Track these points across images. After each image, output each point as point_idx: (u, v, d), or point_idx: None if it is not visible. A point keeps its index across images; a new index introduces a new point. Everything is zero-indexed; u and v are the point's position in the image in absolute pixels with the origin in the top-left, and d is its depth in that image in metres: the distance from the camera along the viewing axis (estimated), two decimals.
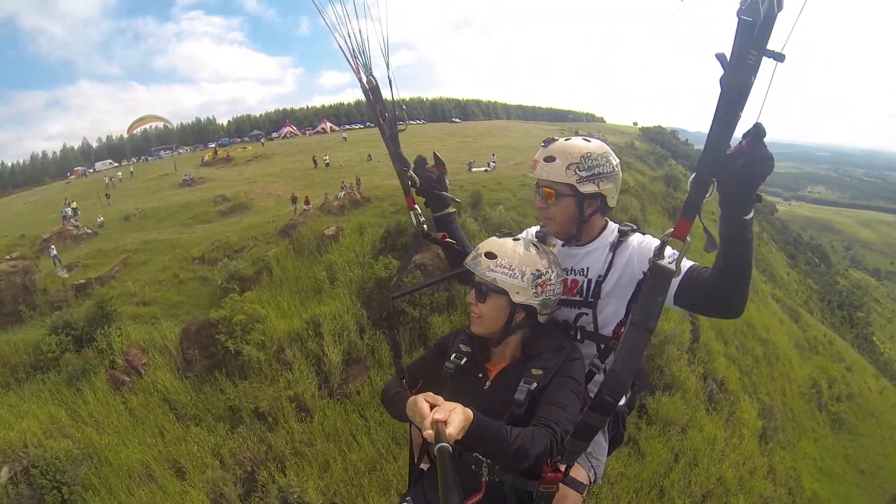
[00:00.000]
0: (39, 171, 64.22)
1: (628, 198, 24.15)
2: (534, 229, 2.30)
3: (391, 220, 18.55)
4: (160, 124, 62.04)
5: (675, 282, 1.70)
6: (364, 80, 2.04)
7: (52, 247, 20.90)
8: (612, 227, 2.09)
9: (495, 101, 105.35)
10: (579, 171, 1.91)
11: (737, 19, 1.10)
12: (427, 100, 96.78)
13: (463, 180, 23.21)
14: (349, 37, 1.98)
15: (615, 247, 2.00)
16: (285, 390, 12.49)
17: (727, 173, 1.26)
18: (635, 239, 1.99)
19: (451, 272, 2.30)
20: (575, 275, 2.05)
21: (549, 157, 1.96)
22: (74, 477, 9.99)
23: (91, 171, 55.24)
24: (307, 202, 19.46)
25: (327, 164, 30.40)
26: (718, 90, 1.17)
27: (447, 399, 1.67)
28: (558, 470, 1.61)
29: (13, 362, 13.98)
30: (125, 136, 60.30)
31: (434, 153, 2.31)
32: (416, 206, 2.23)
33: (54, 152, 70.05)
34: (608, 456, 2.21)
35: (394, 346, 2.20)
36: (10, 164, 67.76)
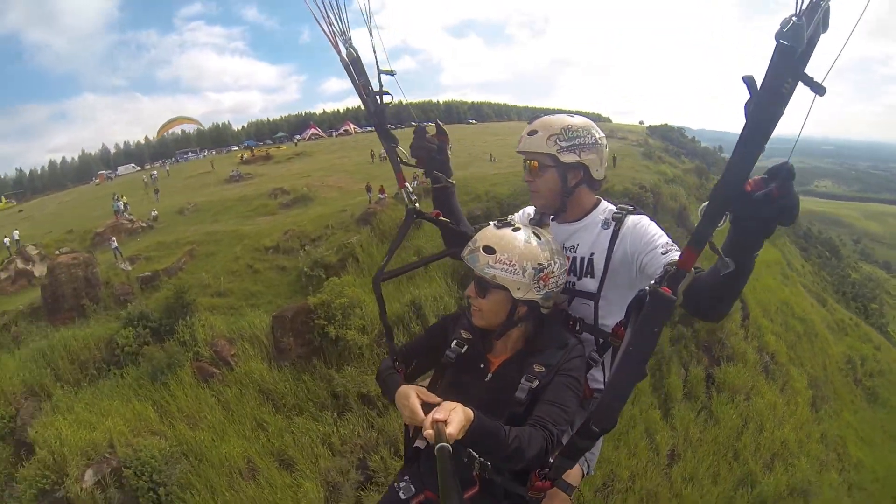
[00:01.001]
0: (59, 177, 65.82)
1: (675, 187, 26.24)
2: (531, 207, 2.34)
3: (467, 208, 20.34)
4: (191, 126, 63.26)
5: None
6: (343, 52, 2.03)
7: (113, 239, 21.25)
8: (606, 206, 2.15)
9: (506, 104, 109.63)
10: (560, 140, 1.99)
11: (775, 42, 1.01)
12: (441, 102, 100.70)
13: (501, 177, 25.96)
14: (327, 11, 1.98)
15: (610, 225, 2.05)
16: None
17: (752, 216, 1.19)
18: (630, 219, 2.02)
19: (443, 252, 2.36)
20: (566, 251, 2.08)
21: (531, 131, 2.04)
22: (170, 476, 9.62)
23: (114, 174, 56.46)
24: (382, 191, 20.88)
25: (383, 158, 32.04)
26: (744, 117, 1.10)
27: (446, 388, 1.80)
28: (547, 479, 1.63)
29: (83, 358, 13.71)
30: (154, 138, 61.43)
31: (436, 121, 2.32)
32: (407, 184, 2.26)
33: (73, 158, 72.04)
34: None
35: (385, 328, 2.20)
36: (27, 171, 69.56)
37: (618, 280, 2.00)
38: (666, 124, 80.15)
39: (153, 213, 24.85)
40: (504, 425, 1.54)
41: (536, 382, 1.74)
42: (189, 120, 54.76)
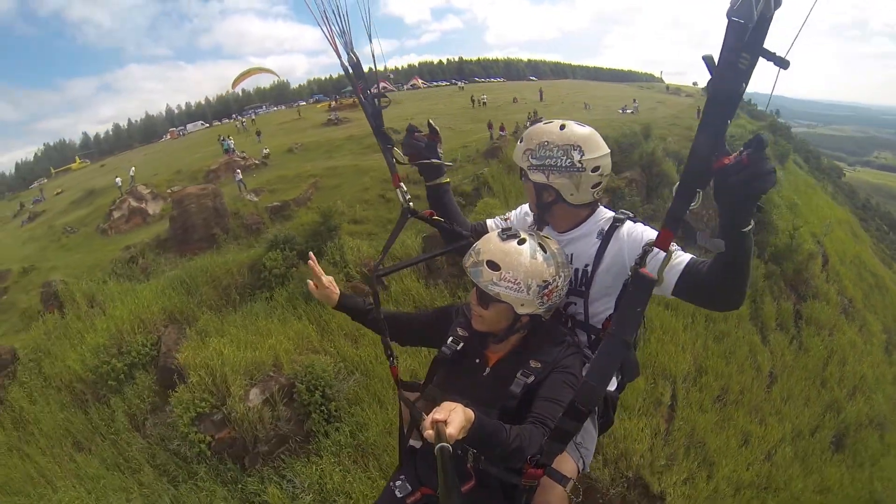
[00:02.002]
0: (125, 139, 69.84)
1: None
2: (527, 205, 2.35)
3: None
4: (268, 76, 64.83)
5: (675, 275, 1.77)
6: (344, 58, 2.14)
7: (238, 171, 23.18)
8: (603, 215, 2.15)
9: (558, 62, 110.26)
10: (531, 157, 2.02)
11: (726, 20, 1.06)
12: (501, 59, 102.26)
13: (623, 120, 28.01)
14: (326, 13, 2.11)
15: (606, 235, 2.06)
16: None
17: (726, 188, 1.24)
18: (626, 228, 2.04)
19: (440, 250, 2.47)
20: None
21: (520, 138, 2.11)
22: (340, 391, 9.75)
23: (185, 131, 59.72)
24: (502, 128, 23.16)
25: (484, 104, 34.08)
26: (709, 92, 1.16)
27: (442, 383, 1.96)
28: (539, 465, 1.67)
29: (225, 283, 14.52)
30: (229, 90, 64.19)
31: (428, 121, 2.36)
32: (402, 184, 2.33)
33: (137, 119, 76.09)
34: (600, 436, 2.29)
35: (379, 322, 2.23)
36: (91, 135, 73.94)
37: (609, 285, 2.03)
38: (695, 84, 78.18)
39: (264, 151, 26.72)
40: (505, 425, 1.58)
41: (532, 378, 1.81)
42: (265, 70, 55.99)
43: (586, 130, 2.02)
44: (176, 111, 78.02)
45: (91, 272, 17.29)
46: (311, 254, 2.36)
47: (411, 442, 2.19)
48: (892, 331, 25.84)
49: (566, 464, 1.96)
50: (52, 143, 71.39)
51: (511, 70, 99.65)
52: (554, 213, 2.12)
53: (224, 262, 15.37)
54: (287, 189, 21.39)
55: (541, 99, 35.34)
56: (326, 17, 2.09)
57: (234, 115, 67.47)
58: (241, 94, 76.94)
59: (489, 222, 2.48)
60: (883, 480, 17.93)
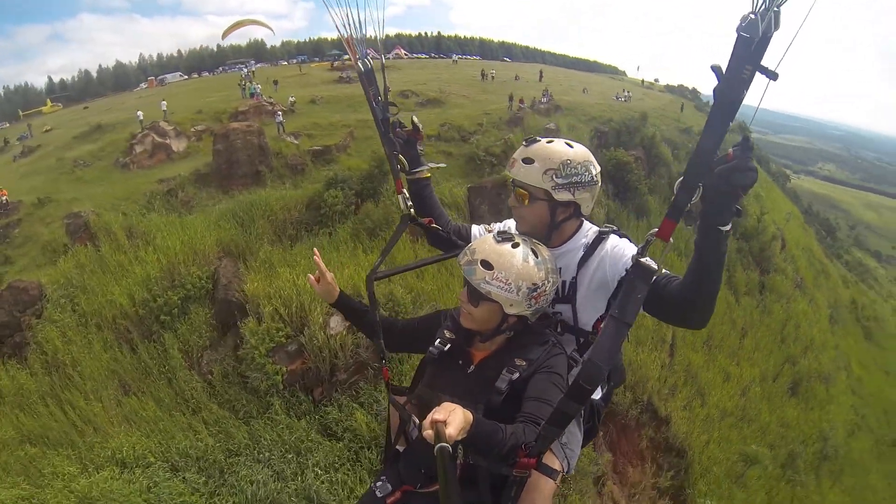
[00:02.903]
0: (95, 85, 67.19)
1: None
2: (512, 222, 2.36)
3: (593, 126, 25.40)
4: (261, 29, 63.39)
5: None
6: (360, 62, 2.33)
7: (279, 112, 23.30)
8: (587, 228, 2.18)
9: (528, 46, 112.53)
10: (556, 177, 1.99)
11: (736, 35, 1.22)
12: (475, 38, 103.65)
13: (620, 106, 31.11)
14: (349, 26, 2.27)
15: (590, 248, 2.09)
16: None
17: (711, 180, 1.36)
18: (610, 242, 2.07)
19: (436, 258, 2.55)
20: None
21: (527, 159, 2.03)
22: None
23: (165, 81, 58.55)
24: (522, 101, 25.42)
25: (493, 78, 36.02)
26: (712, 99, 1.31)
27: (429, 382, 2.05)
28: (532, 456, 1.70)
29: (281, 218, 15.44)
30: (222, 40, 62.14)
31: (412, 118, 2.48)
32: (405, 191, 2.40)
33: (108, 66, 73.20)
34: (582, 448, 2.33)
35: (375, 326, 2.28)
36: (56, 80, 70.75)
37: (592, 296, 2.08)
38: (682, 85, 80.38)
39: (291, 99, 27.49)
40: (501, 425, 1.63)
41: (517, 374, 1.87)
42: (258, 23, 54.69)
43: (585, 147, 2.11)
44: (148, 61, 75.87)
45: (121, 204, 17.31)
46: (315, 250, 2.43)
47: (397, 447, 2.24)
48: (833, 308, 30.57)
49: (552, 461, 2.00)
50: (11, 88, 67.91)
51: (485, 50, 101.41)
52: (560, 230, 2.13)
53: (280, 197, 16.40)
54: (323, 135, 22.36)
55: (540, 79, 37.88)
56: (347, 25, 2.26)
57: (221, 68, 66.38)
58: (215, 49, 75.80)
59: (473, 228, 2.53)
60: (829, 422, 22.09)
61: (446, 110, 26.04)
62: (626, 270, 1.73)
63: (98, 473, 8.93)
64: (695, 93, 77.29)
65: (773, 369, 22.07)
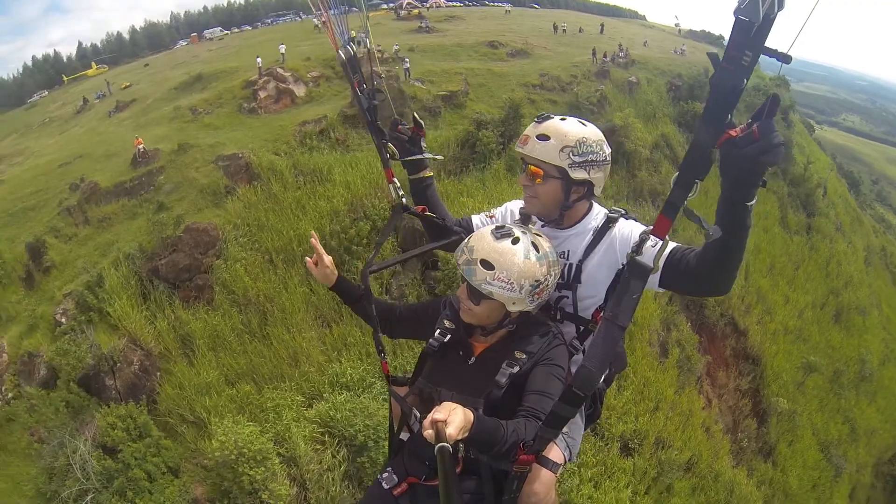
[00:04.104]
0: (130, 47, 67.16)
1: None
2: (515, 204, 2.36)
3: (666, 79, 28.06)
4: None
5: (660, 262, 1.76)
6: (341, 50, 2.14)
7: (406, 59, 23.82)
8: (597, 211, 2.16)
9: None
10: (573, 155, 1.96)
11: (733, 18, 1.12)
12: None
13: (681, 61, 33.48)
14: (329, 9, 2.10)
15: (600, 232, 2.07)
16: None
17: (734, 160, 1.26)
18: (618, 226, 2.05)
19: (432, 245, 2.48)
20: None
21: (542, 136, 2.00)
22: None
23: (212, 36, 59.28)
24: (606, 55, 27.63)
25: (564, 30, 37.54)
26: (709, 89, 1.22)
27: (429, 375, 2.03)
28: (531, 452, 1.69)
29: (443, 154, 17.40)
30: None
31: (413, 114, 2.39)
32: (395, 180, 2.32)
33: (140, 27, 72.70)
34: (586, 429, 2.36)
35: (373, 320, 2.25)
36: (87, 45, 70.28)
37: (598, 279, 2.07)
38: (704, 30, 76.14)
39: (395, 47, 27.62)
40: (501, 421, 1.63)
41: (517, 368, 1.85)
42: None
43: (596, 127, 2.07)
44: (182, 19, 75.94)
45: (271, 146, 17.84)
46: (312, 232, 2.39)
47: (401, 435, 2.22)
48: (867, 251, 33.96)
49: (554, 452, 2.00)
50: (39, 58, 67.89)
51: None
52: (572, 209, 2.10)
53: (437, 136, 18.52)
54: (441, 82, 23.33)
55: (601, 31, 39.27)
56: (323, 5, 2.09)
57: (261, 22, 66.69)
58: (242, 2, 75.84)
59: (474, 219, 2.46)
60: (865, 348, 25.90)
61: (535, 61, 27.89)
62: (623, 264, 1.84)
63: (325, 401, 10.57)
64: (721, 40, 75.70)
65: (820, 298, 25.76)
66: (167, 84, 31.25)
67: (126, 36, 70.87)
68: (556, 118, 2.03)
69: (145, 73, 41.40)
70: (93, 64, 55.13)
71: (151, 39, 69.68)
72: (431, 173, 2.45)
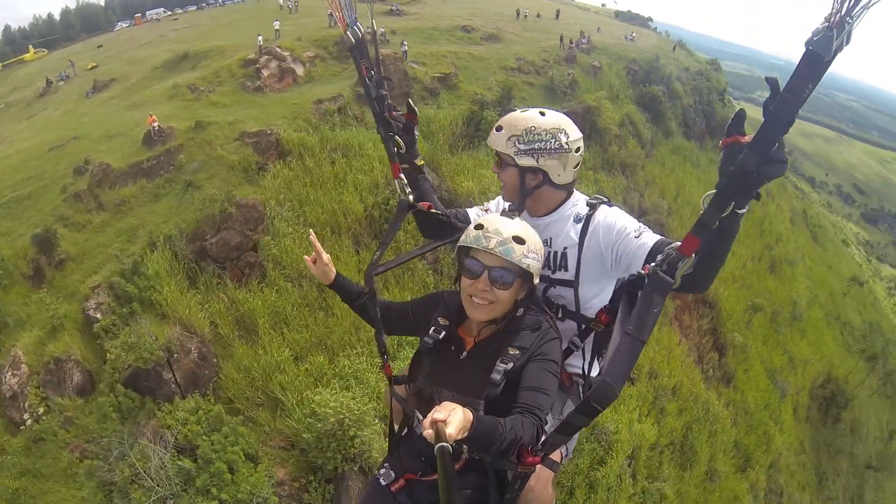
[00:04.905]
0: (62, 30, 62.02)
1: None
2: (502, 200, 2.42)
3: (622, 64, 31.66)
4: None
5: (641, 253, 1.89)
6: (349, 32, 2.09)
7: (405, 42, 24.54)
8: (577, 199, 2.21)
9: None
10: (518, 143, 2.05)
11: (805, 49, 1.07)
12: None
13: (632, 46, 36.64)
14: None
15: (584, 220, 2.12)
16: None
17: (736, 165, 1.26)
18: (600, 213, 2.10)
19: (438, 243, 2.46)
20: None
21: (498, 127, 2.12)
22: None
23: (158, 17, 56.44)
24: (571, 41, 30.09)
25: (525, 16, 39.29)
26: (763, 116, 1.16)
27: (427, 372, 2.03)
28: (537, 456, 1.72)
29: (448, 132, 19.11)
30: None
31: (408, 101, 2.37)
32: (402, 175, 2.32)
33: (70, 7, 67.08)
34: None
35: (375, 321, 2.24)
36: (15, 28, 64.62)
37: (593, 271, 2.11)
38: (630, 11, 78.23)
39: (381, 30, 26.89)
40: (500, 420, 1.62)
41: (511, 364, 1.85)
42: None
43: (564, 116, 2.12)
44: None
45: (291, 122, 17.90)
46: (311, 231, 2.38)
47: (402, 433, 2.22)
48: (792, 212, 38.98)
49: (553, 455, 2.01)
50: None
51: None
52: (536, 197, 2.16)
53: (446, 114, 19.88)
54: (432, 64, 24.32)
55: (557, 17, 41.44)
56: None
57: (206, 3, 63.87)
58: None
59: (471, 212, 2.49)
60: (795, 293, 30.29)
61: (508, 46, 29.71)
62: (611, 250, 1.99)
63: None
64: (648, 21, 73.09)
65: (757, 252, 29.92)
66: (146, 63, 30.59)
67: (56, 17, 66.22)
68: (518, 110, 2.13)
69: (105, 53, 39.59)
70: (30, 48, 51.37)
71: (86, 21, 65.43)
72: (423, 162, 2.45)
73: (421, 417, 1.97)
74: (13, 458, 11.15)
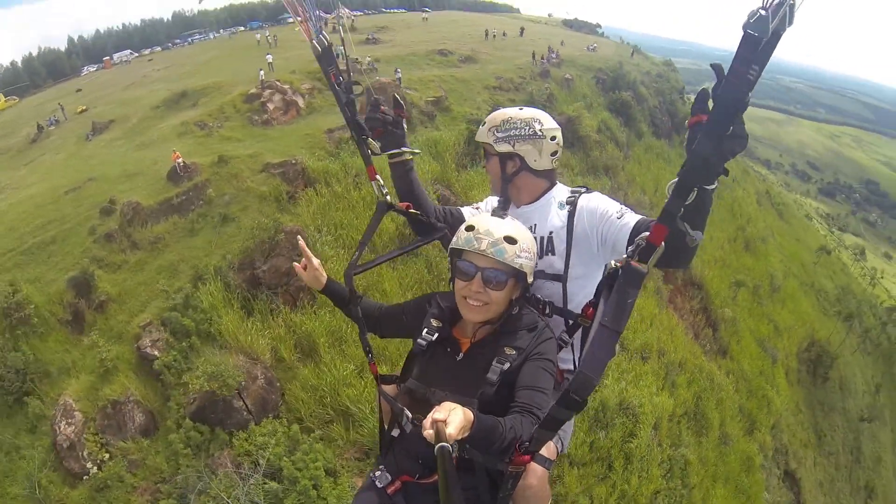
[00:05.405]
0: (27, 76, 62.02)
1: None
2: (493, 199, 2.52)
3: (591, 74, 33.89)
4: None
5: (625, 233, 2.02)
6: (315, 41, 2.09)
7: (398, 70, 26.29)
8: (561, 189, 2.37)
9: None
10: (497, 132, 2.26)
11: (742, 32, 1.10)
12: None
13: (595, 56, 38.91)
14: None
15: (569, 205, 2.24)
16: None
17: (692, 156, 1.28)
18: (584, 198, 2.23)
19: (416, 243, 2.55)
20: None
21: (483, 122, 2.35)
22: None
23: (127, 59, 57.48)
24: (543, 57, 32.24)
25: (495, 36, 41.51)
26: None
27: (420, 375, 2.03)
28: (527, 453, 1.70)
29: (453, 152, 20.05)
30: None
31: (394, 94, 2.42)
32: (378, 177, 2.34)
33: (32, 54, 67.25)
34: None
35: (358, 321, 2.26)
36: None
37: (582, 256, 2.19)
38: (577, 19, 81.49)
39: (368, 58, 29.29)
40: (499, 419, 1.64)
41: (507, 364, 1.86)
42: None
43: (542, 111, 2.30)
44: (80, 43, 72.12)
45: (308, 152, 18.45)
46: (299, 237, 2.47)
47: (392, 433, 2.19)
48: (758, 194, 41.90)
49: (547, 447, 2.02)
50: None
51: (403, 1, 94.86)
52: (517, 184, 2.29)
53: (448, 135, 20.88)
54: (422, 88, 25.68)
55: (521, 34, 44.10)
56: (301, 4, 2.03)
57: (178, 41, 65.71)
58: (139, 24, 75.97)
59: (464, 210, 2.56)
60: (771, 268, 32.74)
61: (485, 66, 31.59)
62: (596, 231, 2.09)
63: None
64: (597, 27, 77.48)
65: (732, 234, 32.43)
66: (141, 103, 30.71)
67: (20, 65, 66.18)
68: (502, 109, 2.32)
69: (88, 96, 39.31)
70: (0, 96, 51.32)
71: (50, 66, 65.38)
72: (411, 157, 2.46)
73: (410, 416, 1.95)
74: None
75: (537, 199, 2.33)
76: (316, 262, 2.29)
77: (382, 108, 2.33)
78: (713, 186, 1.46)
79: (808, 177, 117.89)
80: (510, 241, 1.88)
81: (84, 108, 35.62)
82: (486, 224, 1.93)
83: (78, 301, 14.28)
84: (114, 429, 11.83)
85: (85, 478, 11.27)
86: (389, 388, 2.27)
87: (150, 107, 29.48)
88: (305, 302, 13.75)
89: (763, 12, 1.07)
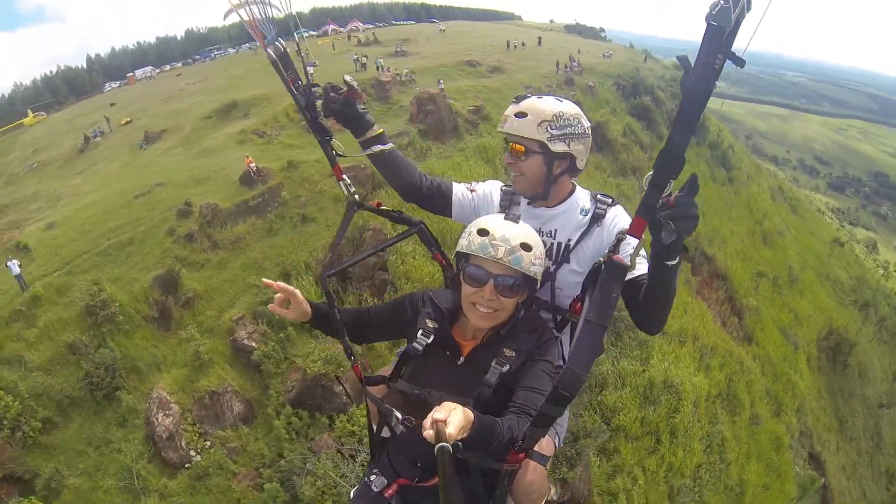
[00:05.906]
0: (48, 94, 64.22)
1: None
2: (494, 186, 2.38)
3: (611, 81, 35.45)
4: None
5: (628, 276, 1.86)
6: (270, 48, 2.07)
7: (441, 80, 27.57)
8: (583, 193, 2.22)
9: (438, 4, 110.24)
10: (551, 128, 2.01)
11: (705, 24, 1.13)
12: (401, 3, 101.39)
13: (611, 62, 40.41)
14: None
15: (588, 213, 2.14)
16: None
17: (653, 224, 1.37)
18: (613, 212, 2.13)
19: (396, 238, 2.47)
20: (543, 236, 2.11)
21: (520, 114, 2.05)
22: None
23: (151, 75, 59.74)
24: (566, 66, 33.99)
25: (516, 47, 43.40)
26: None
27: (412, 377, 2.00)
28: (521, 451, 1.70)
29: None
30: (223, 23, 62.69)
31: (344, 77, 2.27)
32: (345, 177, 2.26)
33: (50, 72, 69.92)
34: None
35: (338, 325, 2.13)
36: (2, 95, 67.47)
37: (581, 261, 2.12)
38: (578, 23, 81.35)
39: (406, 70, 31.56)
40: (498, 419, 1.62)
41: (507, 367, 1.83)
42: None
43: (573, 103, 2.13)
44: (97, 61, 75.30)
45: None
46: (263, 279, 2.26)
47: (382, 434, 2.15)
48: (771, 189, 43.46)
49: (544, 443, 1.99)
50: None
51: (410, 13, 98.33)
52: (556, 185, 2.14)
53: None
54: (461, 98, 26.89)
55: (539, 44, 46.00)
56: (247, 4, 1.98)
57: (199, 56, 68.50)
58: (154, 42, 79.54)
59: (455, 188, 2.42)
60: (788, 259, 34.26)
61: (512, 75, 33.33)
62: (596, 265, 1.84)
63: None
64: (595, 32, 76.91)
65: (750, 228, 34.03)
66: (191, 114, 32.23)
67: (40, 83, 68.72)
68: (534, 97, 2.10)
69: (127, 109, 40.86)
70: (29, 112, 53.21)
71: (70, 84, 67.77)
72: (381, 130, 2.26)
73: (400, 417, 1.90)
74: (179, 498, 11.30)
75: (562, 201, 2.19)
76: (298, 295, 2.05)
77: (331, 95, 2.20)
78: (674, 263, 1.53)
79: (817, 172, 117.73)
80: (526, 248, 1.83)
81: (128, 119, 37.32)
82: (500, 229, 1.85)
83: (165, 298, 14.78)
84: (212, 419, 12.37)
85: (187, 466, 11.77)
86: (377, 389, 2.19)
87: (200, 117, 30.92)
88: (388, 293, 14.63)
89: (724, 4, 1.10)
